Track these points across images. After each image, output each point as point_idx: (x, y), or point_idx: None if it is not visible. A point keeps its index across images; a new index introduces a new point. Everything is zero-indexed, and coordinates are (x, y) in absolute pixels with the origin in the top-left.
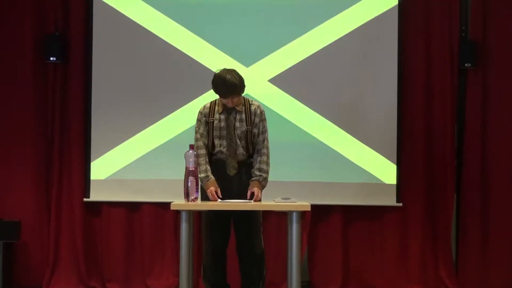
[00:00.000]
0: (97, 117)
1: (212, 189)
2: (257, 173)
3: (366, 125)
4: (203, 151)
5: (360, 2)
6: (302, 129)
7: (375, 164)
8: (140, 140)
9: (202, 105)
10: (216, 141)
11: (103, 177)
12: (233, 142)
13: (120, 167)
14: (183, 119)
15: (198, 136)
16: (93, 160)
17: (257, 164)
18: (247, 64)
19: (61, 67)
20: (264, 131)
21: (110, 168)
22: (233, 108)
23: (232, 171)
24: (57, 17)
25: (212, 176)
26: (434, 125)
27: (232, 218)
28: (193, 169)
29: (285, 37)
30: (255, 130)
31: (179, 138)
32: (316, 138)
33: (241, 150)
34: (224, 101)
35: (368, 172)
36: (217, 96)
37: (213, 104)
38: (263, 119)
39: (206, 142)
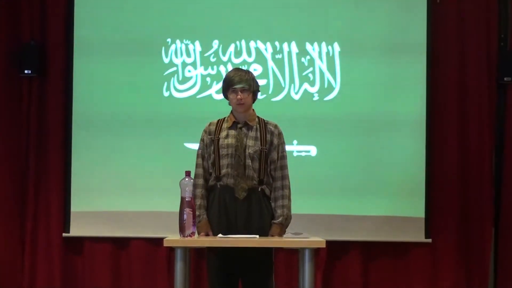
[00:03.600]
0: (79, 139)
1: (202, 235)
2: (279, 211)
3: (390, 149)
4: (200, 181)
5: (385, 7)
6: (315, 155)
7: (400, 194)
8: (128, 165)
9: (208, 123)
10: (223, 161)
11: (85, 209)
12: (242, 161)
13: (104, 197)
14: (179, 141)
15: (199, 161)
16: (74, 189)
17: (279, 201)
18: None
19: (38, 82)
20: (284, 157)
21: (93, 198)
22: (245, 123)
23: (241, 194)
24: (33, 23)
25: (205, 216)
26: (469, 148)
27: (239, 260)
28: (190, 199)
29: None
30: (273, 154)
31: (174, 163)
32: (331, 164)
33: (251, 173)
34: (234, 98)
35: (392, 203)
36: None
37: (220, 121)
38: (282, 142)
39: (208, 167)
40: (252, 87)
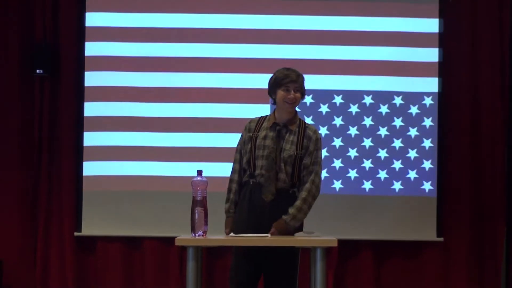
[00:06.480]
0: (91, 139)
1: (226, 232)
2: (290, 210)
3: (402, 148)
4: (236, 176)
5: (397, 7)
6: (326, 153)
7: (412, 193)
8: (140, 164)
9: (249, 120)
10: (258, 162)
11: (97, 208)
12: (276, 164)
13: (117, 196)
14: (192, 139)
15: (237, 156)
16: (86, 188)
17: (298, 201)
18: None
19: (50, 81)
20: (316, 163)
21: (106, 197)
22: (285, 126)
23: (268, 196)
24: (45, 23)
25: (231, 214)
26: (482, 149)
27: (265, 258)
28: (201, 199)
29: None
30: (307, 160)
31: (187, 162)
32: (342, 163)
33: (283, 176)
34: (284, 95)
35: (404, 202)
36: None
37: (262, 118)
38: (317, 148)
39: (244, 163)
40: (302, 89)
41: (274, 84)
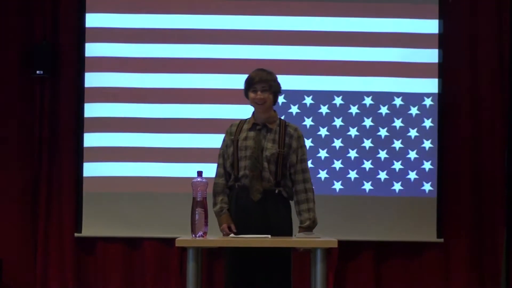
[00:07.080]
0: (91, 140)
1: (224, 226)
2: (306, 215)
3: (402, 149)
4: (221, 180)
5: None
6: (326, 154)
7: (412, 194)
8: (140, 165)
9: (230, 124)
10: (242, 163)
11: (97, 209)
12: (259, 163)
13: (117, 197)
14: (192, 140)
15: (220, 161)
16: (86, 189)
17: (304, 204)
18: None
19: (50, 82)
20: (304, 160)
21: (106, 198)
22: (265, 126)
23: (256, 196)
24: (45, 24)
25: (226, 210)
26: (482, 150)
27: (258, 261)
28: (201, 199)
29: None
30: (293, 157)
31: (187, 164)
32: (342, 164)
33: (267, 175)
34: (254, 97)
35: (404, 203)
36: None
37: (242, 122)
38: (301, 145)
39: (228, 167)
40: (272, 88)
41: (245, 87)
